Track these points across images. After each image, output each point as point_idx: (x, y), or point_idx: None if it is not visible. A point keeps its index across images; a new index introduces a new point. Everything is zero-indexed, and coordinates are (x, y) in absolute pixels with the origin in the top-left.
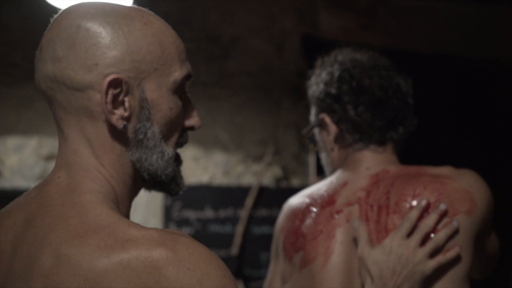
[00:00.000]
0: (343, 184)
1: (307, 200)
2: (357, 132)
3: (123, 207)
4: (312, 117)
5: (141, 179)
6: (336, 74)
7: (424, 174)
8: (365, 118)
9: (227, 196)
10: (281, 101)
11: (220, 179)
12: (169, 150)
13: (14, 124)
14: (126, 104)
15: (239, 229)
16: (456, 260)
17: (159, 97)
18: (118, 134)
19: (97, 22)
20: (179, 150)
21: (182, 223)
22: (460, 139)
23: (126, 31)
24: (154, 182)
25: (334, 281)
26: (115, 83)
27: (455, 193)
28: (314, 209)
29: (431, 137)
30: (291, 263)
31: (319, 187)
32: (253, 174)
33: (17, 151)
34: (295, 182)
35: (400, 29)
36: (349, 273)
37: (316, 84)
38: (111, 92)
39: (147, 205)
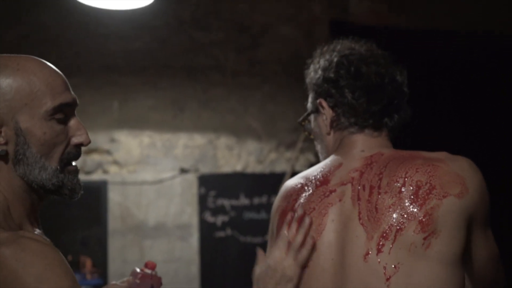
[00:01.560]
0: (338, 165)
1: (302, 181)
2: (353, 116)
3: (16, 211)
4: (309, 104)
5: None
6: (335, 60)
7: (418, 157)
8: (361, 102)
9: (261, 183)
10: None
11: (254, 167)
12: (52, 165)
13: None
14: (2, 134)
15: None
16: (445, 243)
17: (32, 125)
18: (2, 157)
19: None
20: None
21: (218, 211)
22: (489, 122)
23: None
24: (45, 190)
25: (324, 258)
26: None
27: (446, 176)
28: (309, 189)
29: (459, 119)
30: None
31: (314, 169)
32: (286, 161)
33: None
34: None
35: (431, 10)
36: (340, 251)
37: (314, 71)
38: None
39: (182, 195)
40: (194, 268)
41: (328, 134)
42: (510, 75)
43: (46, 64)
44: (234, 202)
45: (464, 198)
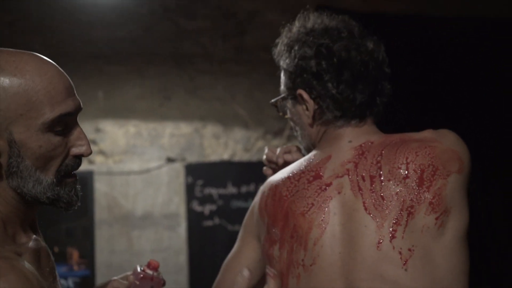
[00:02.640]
0: (327, 158)
1: (290, 176)
2: (338, 109)
3: (10, 223)
4: (283, 87)
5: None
6: (313, 49)
7: (409, 140)
8: (347, 95)
9: (248, 171)
10: None
11: (241, 155)
12: (47, 178)
13: None
14: None
15: None
16: (456, 218)
17: (27, 137)
18: None
19: None
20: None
21: (205, 200)
22: (487, 103)
23: None
24: (39, 203)
25: (332, 252)
26: None
27: (444, 155)
28: (300, 184)
29: (451, 105)
30: (280, 240)
31: (299, 164)
32: None
33: None
34: None
35: None
36: (347, 243)
37: (289, 58)
38: None
39: (169, 184)
40: (183, 258)
41: (311, 126)
42: (500, 60)
43: (48, 66)
44: (221, 191)
45: (463, 172)
